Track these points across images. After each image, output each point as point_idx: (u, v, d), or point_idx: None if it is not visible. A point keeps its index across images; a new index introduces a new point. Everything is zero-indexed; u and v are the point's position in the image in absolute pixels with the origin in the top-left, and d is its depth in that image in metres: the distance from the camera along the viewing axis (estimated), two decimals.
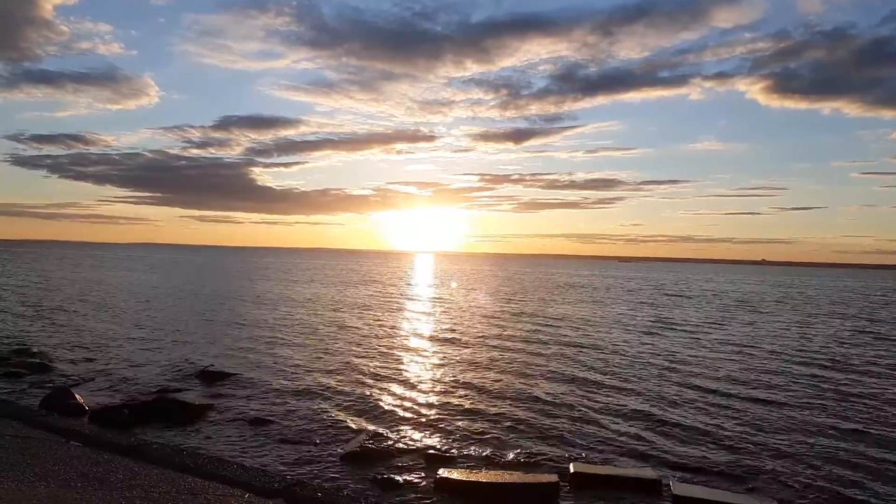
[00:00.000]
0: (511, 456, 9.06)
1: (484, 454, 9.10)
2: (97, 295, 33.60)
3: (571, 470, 8.18)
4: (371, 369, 15.22)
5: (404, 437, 9.82)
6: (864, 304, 45.41)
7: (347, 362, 16.06)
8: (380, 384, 13.60)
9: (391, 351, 18.21)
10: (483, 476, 7.83)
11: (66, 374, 13.49)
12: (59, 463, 6.54)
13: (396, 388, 13.26)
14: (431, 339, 21.21)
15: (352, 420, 10.68)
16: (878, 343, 23.09)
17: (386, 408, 11.61)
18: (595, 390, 13.53)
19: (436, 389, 13.28)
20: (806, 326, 28.19)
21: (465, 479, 7.71)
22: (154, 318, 23.90)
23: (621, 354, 18.53)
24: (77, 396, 10.76)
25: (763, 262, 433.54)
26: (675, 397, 13.08)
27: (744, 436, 10.42)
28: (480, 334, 22.38)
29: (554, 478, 7.90)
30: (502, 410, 11.61)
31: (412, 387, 13.50)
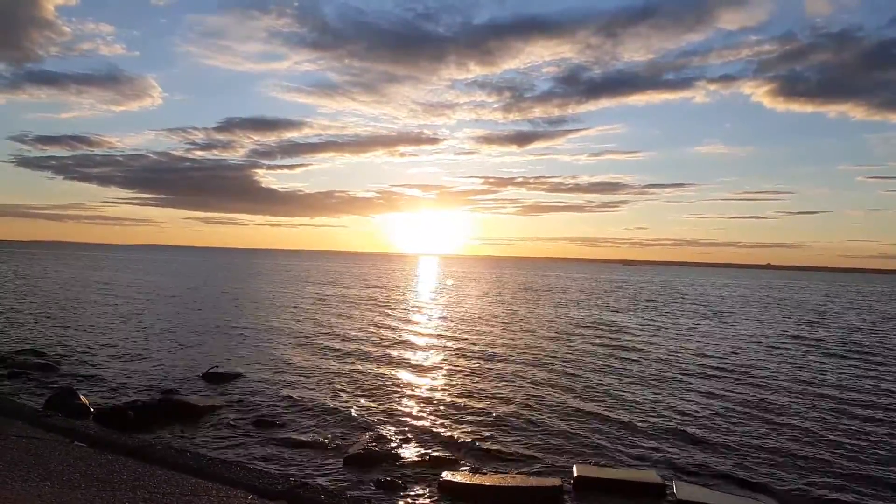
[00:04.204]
0: (514, 459, 9.05)
1: (487, 457, 9.09)
2: (102, 296, 33.70)
3: (575, 473, 8.17)
4: (375, 372, 15.23)
5: (407, 439, 9.82)
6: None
7: (351, 365, 16.07)
8: (383, 387, 13.61)
9: (395, 354, 18.21)
10: (486, 479, 7.82)
11: (70, 374, 13.54)
12: (64, 463, 6.56)
13: (399, 391, 13.26)
14: (434, 342, 21.21)
15: (355, 422, 10.68)
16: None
17: (389, 410, 11.61)
18: (602, 393, 13.51)
19: (439, 392, 13.28)
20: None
21: (467, 482, 7.70)
22: (158, 320, 23.96)
23: (627, 358, 18.49)
24: (81, 397, 10.78)
25: (768, 266, 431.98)
26: (679, 401, 13.05)
27: (747, 439, 10.39)
28: (483, 338, 22.37)
29: (557, 481, 7.89)
30: (506, 414, 11.60)
31: (415, 390, 13.50)
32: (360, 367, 15.81)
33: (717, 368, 17.18)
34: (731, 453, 9.67)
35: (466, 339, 21.88)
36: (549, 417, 11.42)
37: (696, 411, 12.24)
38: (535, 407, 12.15)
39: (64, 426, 8.41)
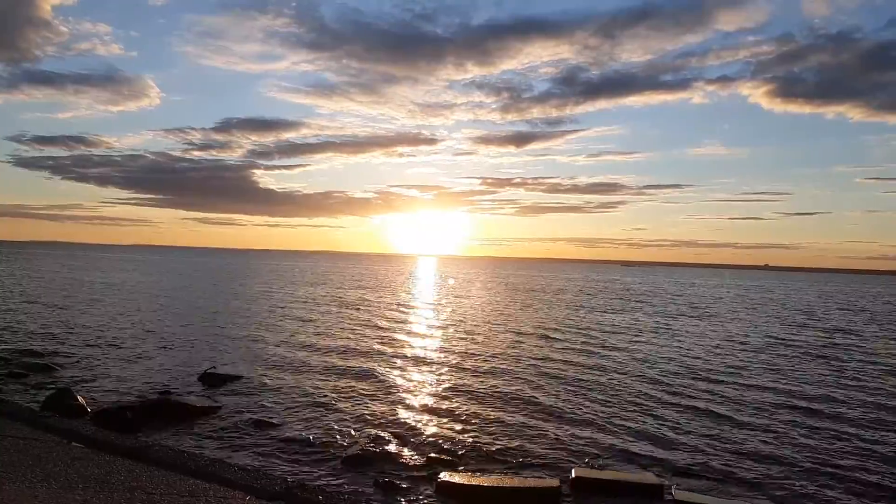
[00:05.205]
0: (512, 460, 9.05)
1: (485, 458, 9.09)
2: (99, 296, 33.65)
3: (573, 474, 8.17)
4: (372, 373, 15.22)
5: (405, 440, 9.81)
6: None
7: (349, 366, 16.06)
8: (381, 387, 13.60)
9: (392, 355, 18.21)
10: (484, 480, 7.82)
11: (68, 375, 13.51)
12: (61, 464, 6.55)
13: (398, 392, 13.25)
14: (432, 343, 21.21)
15: (353, 423, 10.67)
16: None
17: (387, 411, 11.61)
18: (600, 394, 13.51)
19: (438, 393, 13.28)
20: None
21: (465, 482, 7.70)
22: (156, 320, 23.93)
23: (622, 359, 18.50)
24: (79, 397, 10.76)
25: (766, 267, 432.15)
26: (677, 402, 13.06)
27: (749, 443, 10.40)
28: (480, 340, 22.38)
29: (555, 482, 7.89)
30: (504, 415, 11.60)
31: (414, 390, 13.50)
32: (357, 368, 15.79)
33: (710, 371, 17.19)
34: (729, 456, 9.67)
35: (464, 340, 21.87)
36: (547, 418, 11.42)
37: (694, 413, 12.25)
38: (533, 408, 12.15)
39: (61, 427, 8.38)
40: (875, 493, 8.32)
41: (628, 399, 13.18)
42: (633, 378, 15.51)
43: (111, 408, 10.40)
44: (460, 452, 9.29)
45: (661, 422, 11.45)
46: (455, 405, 12.21)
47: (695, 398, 13.49)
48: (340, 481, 7.93)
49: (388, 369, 15.74)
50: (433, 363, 17.01)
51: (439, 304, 38.56)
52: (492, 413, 11.67)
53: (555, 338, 22.92)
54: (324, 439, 9.65)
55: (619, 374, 16.04)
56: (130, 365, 14.89)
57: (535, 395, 13.30)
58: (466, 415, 11.50)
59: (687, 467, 9.02)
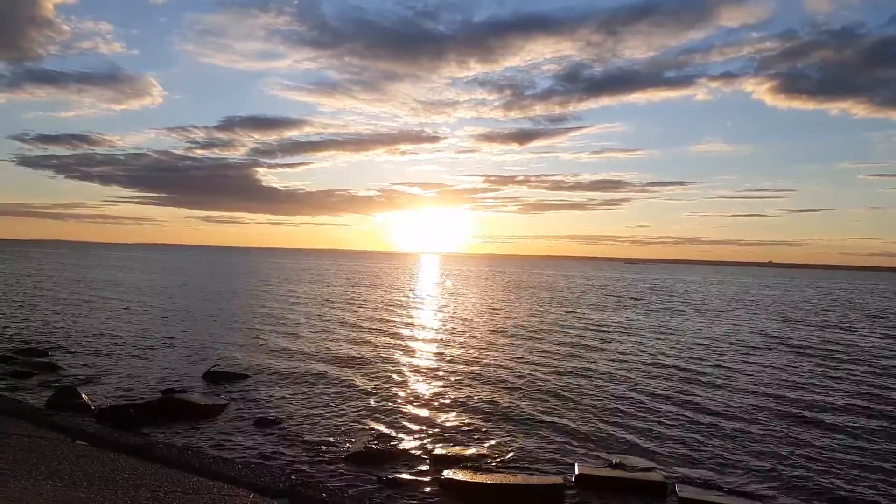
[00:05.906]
0: (516, 457, 9.05)
1: (489, 455, 9.08)
2: (103, 295, 33.72)
3: (577, 472, 8.17)
4: (376, 370, 15.23)
5: (409, 438, 9.82)
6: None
7: (353, 364, 16.07)
8: (384, 386, 13.61)
9: (395, 353, 18.22)
10: (488, 477, 7.82)
11: (72, 373, 13.54)
12: (65, 462, 6.57)
13: (402, 389, 13.26)
14: (435, 341, 21.22)
15: (357, 420, 10.68)
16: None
17: (391, 408, 11.62)
18: (603, 392, 13.50)
19: (441, 392, 13.28)
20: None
21: (469, 479, 7.70)
22: (160, 319, 23.97)
23: (624, 357, 18.49)
24: (83, 396, 10.80)
25: (769, 264, 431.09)
26: (681, 401, 13.04)
27: (751, 440, 10.38)
28: (483, 338, 22.38)
29: (559, 479, 7.89)
30: (508, 413, 11.60)
31: (417, 389, 13.51)
32: (361, 366, 15.80)
33: (713, 369, 17.18)
34: (733, 453, 9.66)
35: (466, 339, 21.88)
36: (550, 416, 11.42)
37: (698, 411, 12.24)
38: (536, 406, 12.15)
39: (66, 425, 8.41)
40: (877, 492, 8.31)
41: (631, 397, 13.17)
42: (636, 376, 15.50)
43: (115, 406, 10.44)
44: (464, 450, 9.29)
45: (664, 420, 11.44)
46: (458, 404, 12.21)
47: (698, 396, 13.48)
48: (344, 479, 7.93)
49: (391, 368, 15.74)
50: (437, 363, 17.01)
51: (441, 303, 38.57)
52: (495, 411, 11.67)
53: (557, 337, 22.91)
54: (327, 437, 9.66)
55: (621, 371, 16.03)
56: (134, 363, 14.92)
57: (538, 393, 13.30)
58: (470, 413, 11.51)
59: (691, 465, 9.00)
